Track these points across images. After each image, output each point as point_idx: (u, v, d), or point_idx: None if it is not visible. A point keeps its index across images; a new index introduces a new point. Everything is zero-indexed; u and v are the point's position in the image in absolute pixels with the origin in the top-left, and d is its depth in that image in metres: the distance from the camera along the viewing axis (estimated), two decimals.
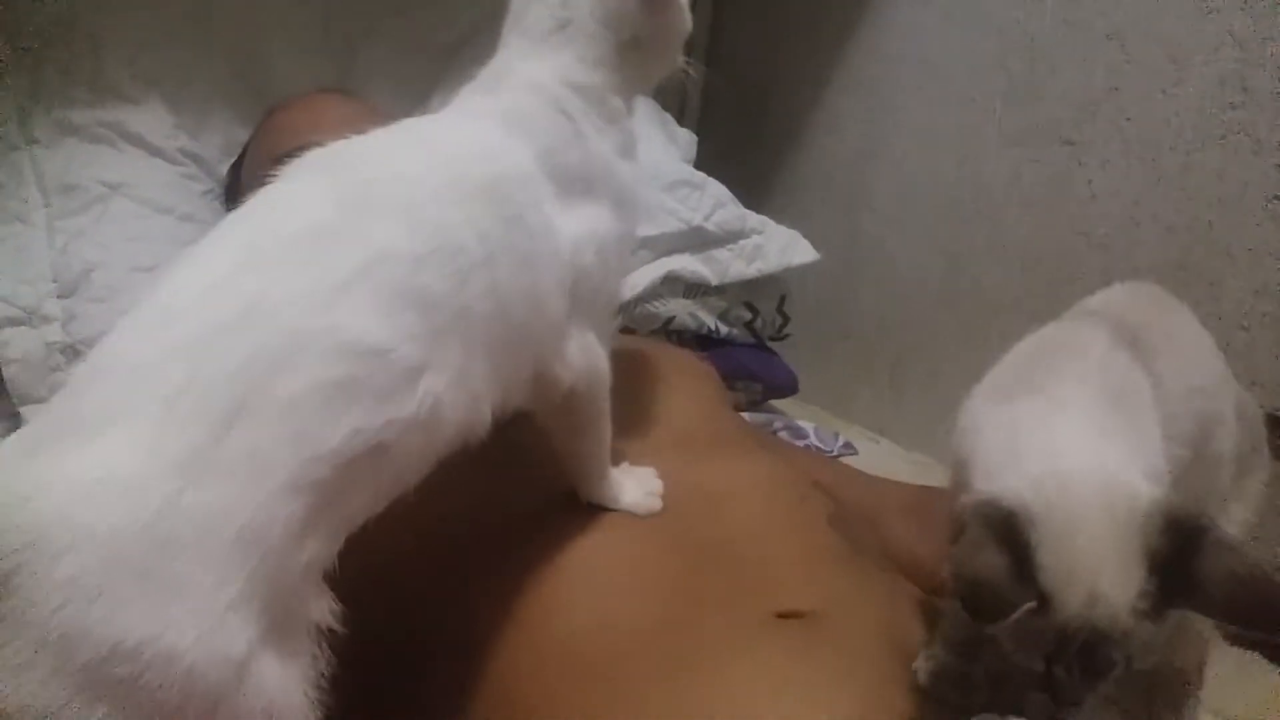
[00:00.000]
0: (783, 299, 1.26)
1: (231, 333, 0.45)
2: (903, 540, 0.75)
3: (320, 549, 0.46)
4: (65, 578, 0.39)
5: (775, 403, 1.31)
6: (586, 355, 0.61)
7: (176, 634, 0.40)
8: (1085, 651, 0.44)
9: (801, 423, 1.21)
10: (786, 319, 1.28)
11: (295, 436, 0.44)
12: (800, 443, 1.15)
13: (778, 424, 1.19)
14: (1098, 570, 0.44)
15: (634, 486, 0.68)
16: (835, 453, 1.16)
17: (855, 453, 1.17)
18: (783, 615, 0.58)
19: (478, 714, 0.57)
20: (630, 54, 0.67)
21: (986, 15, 1.25)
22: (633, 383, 0.80)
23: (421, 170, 0.55)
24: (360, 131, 0.93)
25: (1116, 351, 0.55)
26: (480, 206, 0.54)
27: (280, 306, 0.46)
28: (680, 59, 0.72)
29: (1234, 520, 0.63)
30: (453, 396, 0.50)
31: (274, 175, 0.92)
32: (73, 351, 0.90)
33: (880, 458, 1.20)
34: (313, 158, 0.55)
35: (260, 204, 0.53)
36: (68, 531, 0.40)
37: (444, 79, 1.27)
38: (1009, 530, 0.45)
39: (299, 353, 0.45)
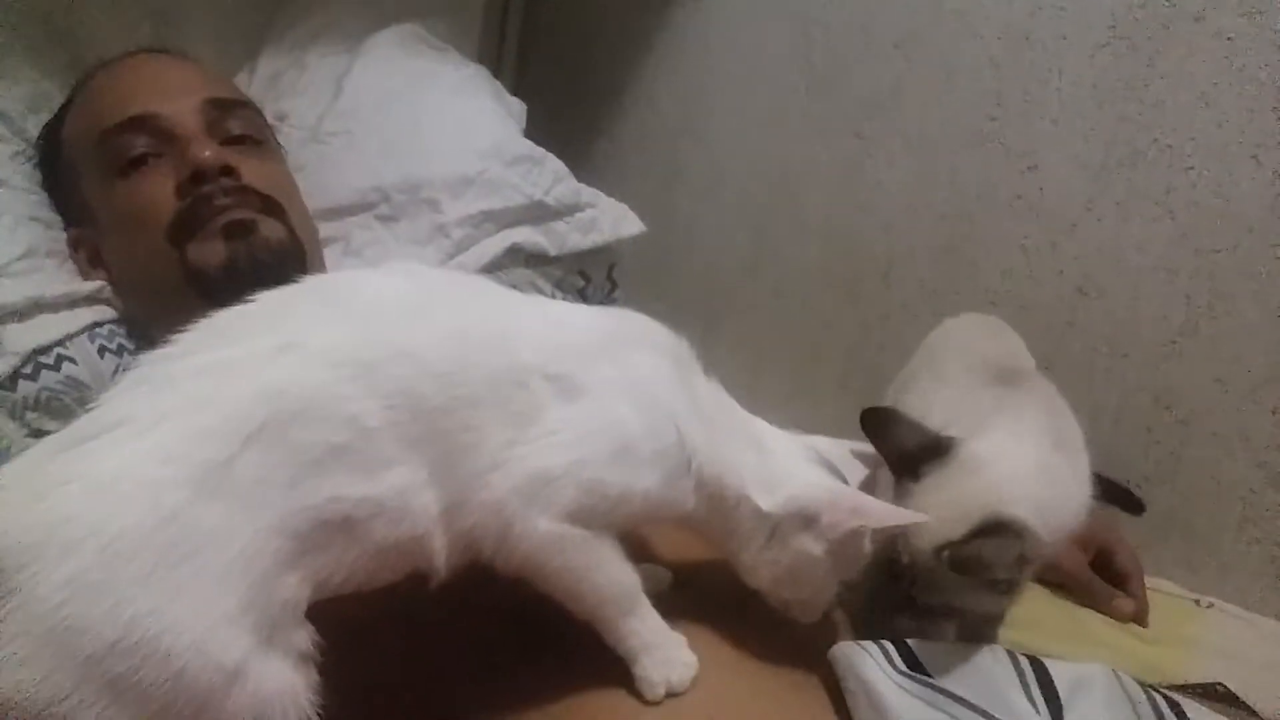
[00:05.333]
0: (611, 267, 1.35)
1: (268, 359, 0.49)
2: None
3: (296, 590, 0.49)
4: (68, 575, 0.42)
5: None
6: (535, 542, 0.56)
7: (173, 637, 0.43)
8: None
9: None
10: (615, 285, 1.37)
11: (290, 483, 0.48)
12: None
13: None
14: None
15: (660, 662, 0.61)
16: None
17: None
18: None
19: None
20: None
21: (793, 14, 1.38)
22: None
23: (487, 309, 0.60)
24: (190, 93, 0.92)
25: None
26: (503, 362, 0.57)
27: (317, 355, 0.51)
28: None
29: None
30: (416, 502, 0.53)
31: (108, 146, 0.89)
32: None
33: None
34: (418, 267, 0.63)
35: (349, 275, 0.61)
36: (76, 529, 0.43)
37: (271, 31, 1.22)
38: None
39: (317, 406, 0.50)
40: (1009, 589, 0.69)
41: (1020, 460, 0.69)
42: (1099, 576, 0.96)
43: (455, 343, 0.56)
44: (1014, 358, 0.83)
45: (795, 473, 0.66)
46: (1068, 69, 1.11)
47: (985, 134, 1.19)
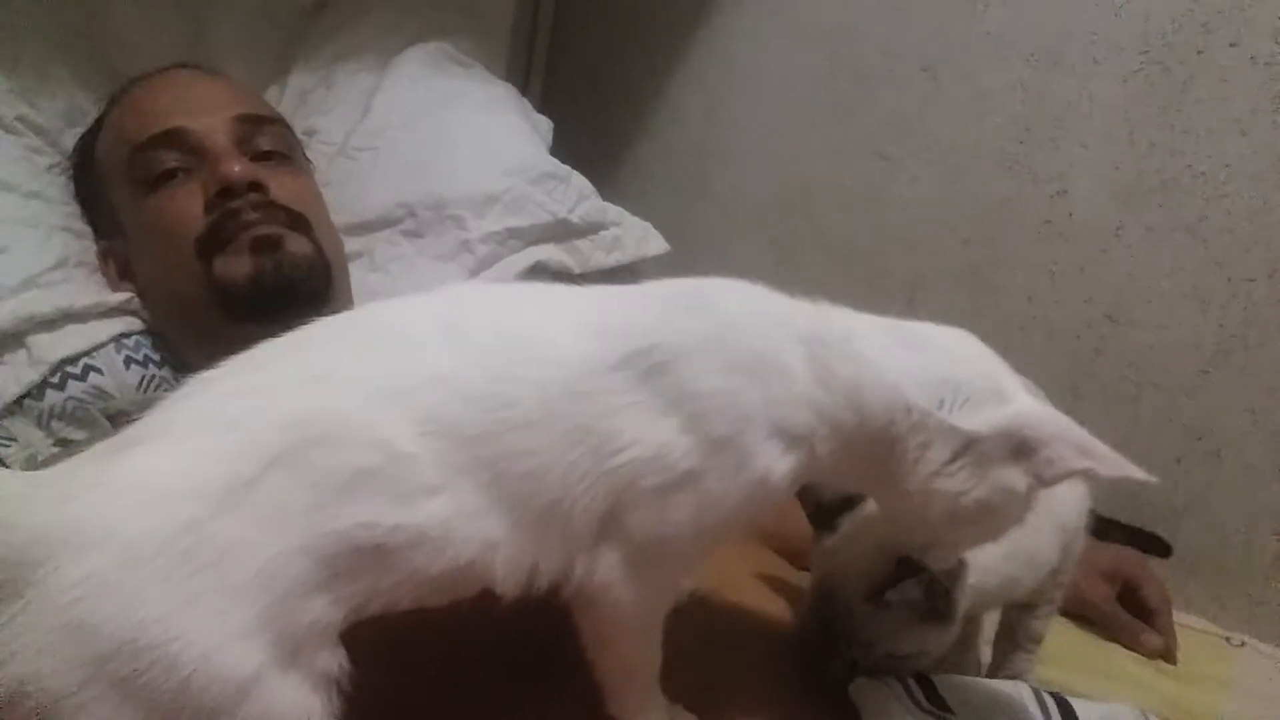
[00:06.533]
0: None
1: (296, 387, 0.50)
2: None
3: (326, 612, 0.48)
4: (84, 573, 0.43)
5: None
6: (606, 577, 0.53)
7: (183, 645, 0.43)
8: None
9: None
10: None
11: (314, 506, 0.47)
12: None
13: None
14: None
15: None
16: None
17: None
18: None
19: None
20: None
21: (820, 35, 1.38)
22: None
23: (527, 320, 0.56)
24: (221, 109, 0.93)
25: None
26: (550, 375, 0.52)
27: (345, 384, 0.51)
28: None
29: None
30: (463, 531, 0.50)
31: (139, 160, 0.90)
32: None
33: None
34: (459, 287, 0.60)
35: (386, 304, 0.59)
36: (95, 530, 0.44)
37: (301, 49, 1.24)
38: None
39: (342, 432, 0.49)
40: (946, 617, 0.66)
41: None
42: (1125, 611, 0.94)
43: (491, 364, 0.53)
44: None
45: (1005, 392, 0.57)
46: (1099, 93, 1.10)
47: (1013, 157, 1.18)
